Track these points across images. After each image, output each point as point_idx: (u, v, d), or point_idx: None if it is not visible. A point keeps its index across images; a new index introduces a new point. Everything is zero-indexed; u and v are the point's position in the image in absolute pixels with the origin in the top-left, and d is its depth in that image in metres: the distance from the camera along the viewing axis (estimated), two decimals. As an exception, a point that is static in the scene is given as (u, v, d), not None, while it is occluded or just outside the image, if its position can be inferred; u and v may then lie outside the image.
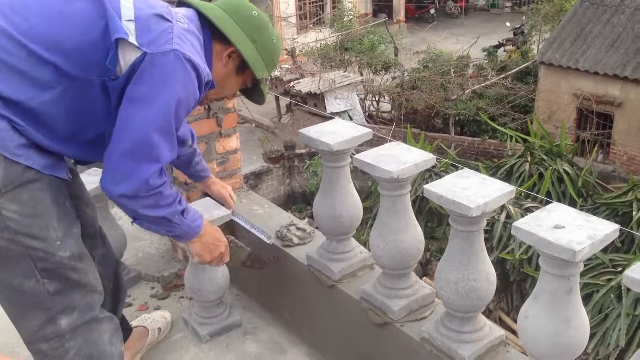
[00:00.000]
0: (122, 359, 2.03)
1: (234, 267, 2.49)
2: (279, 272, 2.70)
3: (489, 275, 1.90)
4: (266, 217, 2.86)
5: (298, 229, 2.69)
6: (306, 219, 10.90)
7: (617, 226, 1.60)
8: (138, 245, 3.48)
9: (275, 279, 2.77)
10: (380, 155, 2.08)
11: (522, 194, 6.18)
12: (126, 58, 1.70)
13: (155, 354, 2.59)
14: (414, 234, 2.14)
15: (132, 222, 1.97)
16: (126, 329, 2.37)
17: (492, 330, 2.01)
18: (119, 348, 2.00)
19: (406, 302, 2.16)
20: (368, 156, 2.08)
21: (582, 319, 1.67)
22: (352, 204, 2.36)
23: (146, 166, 1.78)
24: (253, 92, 2.14)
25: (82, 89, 1.72)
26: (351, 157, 2.25)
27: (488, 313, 6.78)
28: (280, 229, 2.70)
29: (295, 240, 2.64)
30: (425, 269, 7.96)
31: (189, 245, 2.13)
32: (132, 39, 1.68)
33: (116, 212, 3.76)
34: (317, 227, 2.60)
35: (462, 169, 2.07)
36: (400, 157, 2.05)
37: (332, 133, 2.26)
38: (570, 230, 1.57)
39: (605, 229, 1.58)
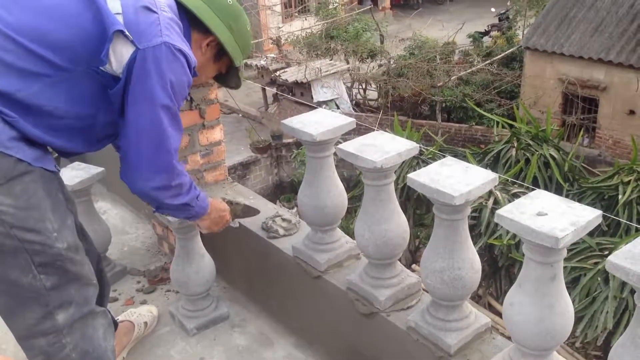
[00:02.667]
0: (114, 355, 2.03)
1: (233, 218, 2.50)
2: (266, 264, 2.69)
3: (473, 263, 1.90)
4: (251, 209, 2.84)
5: (284, 220, 2.68)
6: (295, 209, 10.87)
7: (599, 212, 1.59)
8: (123, 239, 3.46)
9: (261, 271, 2.77)
10: (364, 145, 2.07)
11: (509, 179, 6.21)
12: (117, 53, 1.73)
13: (142, 349, 2.58)
14: (399, 224, 2.13)
15: (153, 211, 2.12)
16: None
17: (477, 318, 2.01)
18: (112, 343, 2.02)
19: (392, 291, 2.16)
20: (351, 146, 2.06)
21: (566, 305, 1.67)
22: (337, 194, 2.35)
23: (168, 157, 1.89)
24: (227, 77, 2.20)
25: (70, 80, 1.73)
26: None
27: (477, 299, 6.82)
28: (265, 220, 2.68)
29: (281, 232, 2.63)
30: (414, 256, 7.99)
31: (199, 223, 2.28)
32: (126, 32, 1.71)
33: (100, 206, 3.73)
34: (303, 218, 2.59)
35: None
36: (384, 147, 2.04)
37: (315, 123, 2.24)
38: (553, 217, 1.56)
39: (588, 215, 1.57)
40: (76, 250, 1.85)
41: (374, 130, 2.30)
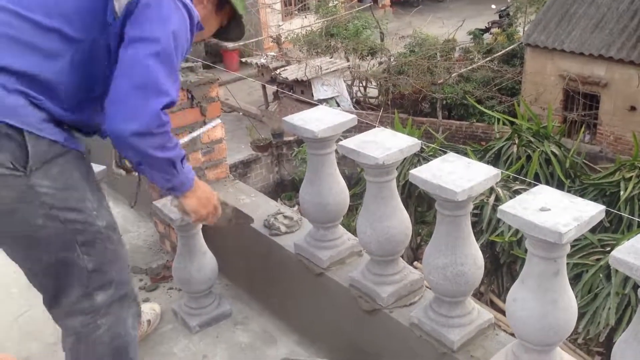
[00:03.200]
0: (137, 345, 2.07)
1: (221, 226, 2.35)
2: (268, 261, 2.69)
3: (476, 259, 1.90)
4: (253, 207, 2.84)
5: (285, 217, 2.68)
6: (296, 207, 10.89)
7: (602, 207, 1.59)
8: (125, 237, 3.44)
9: (264, 268, 2.77)
10: (365, 141, 2.07)
11: (511, 176, 6.19)
12: (121, 2, 1.70)
13: (145, 347, 2.58)
14: (400, 220, 2.13)
15: (133, 168, 1.99)
16: None
17: (480, 314, 2.01)
18: (137, 334, 2.06)
19: (395, 288, 2.16)
20: (352, 142, 2.06)
21: (569, 300, 1.67)
22: (338, 191, 2.35)
23: (156, 100, 1.73)
24: (228, 30, 2.14)
25: (89, 51, 1.73)
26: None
27: (479, 296, 6.81)
28: (267, 217, 2.68)
29: (283, 229, 2.63)
30: (416, 254, 7.98)
31: (184, 201, 2.07)
32: None
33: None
34: (305, 215, 2.59)
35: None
36: (386, 143, 2.04)
37: (316, 120, 2.24)
38: (556, 212, 1.56)
39: (590, 210, 1.57)
40: (114, 229, 1.89)
41: (375, 127, 2.29)
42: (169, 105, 1.77)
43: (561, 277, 1.64)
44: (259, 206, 2.86)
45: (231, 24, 2.12)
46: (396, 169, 2.10)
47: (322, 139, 2.20)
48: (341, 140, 2.16)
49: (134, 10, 1.71)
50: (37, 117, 1.67)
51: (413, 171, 1.84)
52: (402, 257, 2.27)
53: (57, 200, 1.71)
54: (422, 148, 6.48)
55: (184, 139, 2.56)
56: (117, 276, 1.90)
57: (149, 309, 2.69)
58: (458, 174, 1.79)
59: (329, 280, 2.37)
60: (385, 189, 2.09)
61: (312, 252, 2.41)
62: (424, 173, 1.83)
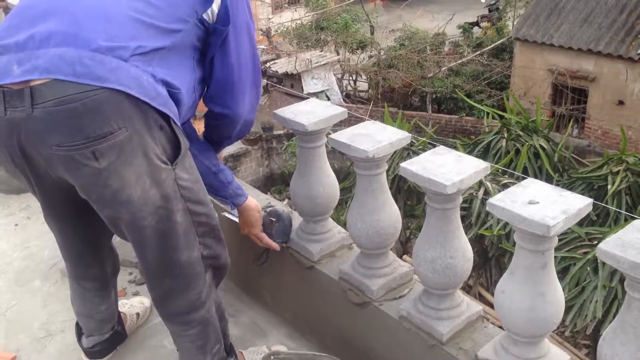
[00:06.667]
0: None
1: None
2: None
3: (465, 252, 1.91)
4: (243, 200, 2.83)
5: (275, 210, 2.68)
6: (286, 200, 10.90)
7: (590, 200, 1.60)
8: (115, 231, 3.44)
9: (254, 262, 2.76)
10: (356, 134, 2.07)
11: (500, 170, 6.23)
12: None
13: (135, 340, 2.57)
14: (390, 213, 2.14)
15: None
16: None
17: (469, 307, 2.02)
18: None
19: (384, 281, 2.17)
20: (343, 136, 2.06)
21: (557, 293, 1.68)
22: (329, 184, 2.35)
23: (260, 74, 2.02)
24: None
25: (186, 37, 1.71)
26: (327, 136, 2.24)
27: (468, 289, 6.86)
28: (257, 211, 2.68)
29: (273, 222, 2.62)
30: (405, 247, 8.02)
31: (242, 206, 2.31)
32: None
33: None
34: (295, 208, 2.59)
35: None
36: (376, 136, 2.04)
37: (307, 113, 2.24)
38: (544, 205, 1.57)
39: (578, 204, 1.58)
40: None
41: (365, 120, 2.30)
42: None
43: (549, 270, 1.65)
44: (249, 199, 2.85)
45: None
46: (386, 163, 2.11)
47: (312, 132, 2.20)
48: (331, 133, 2.16)
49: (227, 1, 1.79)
50: (175, 107, 1.64)
51: (403, 164, 1.85)
52: (391, 250, 2.28)
53: (192, 194, 1.72)
54: (411, 142, 6.49)
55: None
56: (218, 251, 1.94)
57: (138, 303, 2.69)
58: (448, 167, 1.80)
59: (319, 274, 2.37)
60: (375, 182, 2.10)
61: (302, 245, 2.41)
62: (414, 166, 1.83)
